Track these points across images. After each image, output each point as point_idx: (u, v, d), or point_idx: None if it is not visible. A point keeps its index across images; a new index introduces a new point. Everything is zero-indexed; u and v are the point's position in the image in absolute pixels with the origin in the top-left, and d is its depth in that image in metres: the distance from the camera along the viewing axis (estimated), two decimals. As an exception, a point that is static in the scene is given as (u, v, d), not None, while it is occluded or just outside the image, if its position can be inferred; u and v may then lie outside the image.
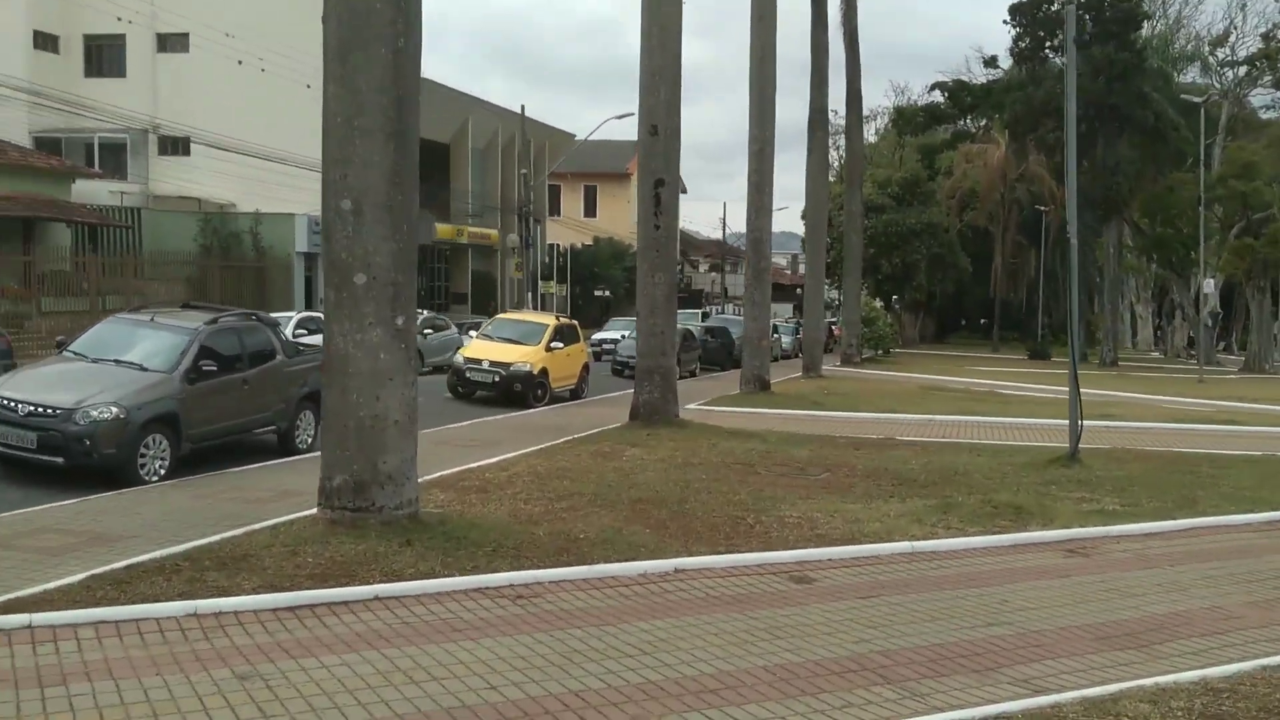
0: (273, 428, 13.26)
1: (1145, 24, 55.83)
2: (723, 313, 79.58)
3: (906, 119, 56.10)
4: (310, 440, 13.81)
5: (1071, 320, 14.37)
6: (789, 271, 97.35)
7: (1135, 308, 78.92)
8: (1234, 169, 43.74)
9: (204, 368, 11.91)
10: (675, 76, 16.27)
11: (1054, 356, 53.68)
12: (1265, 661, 6.27)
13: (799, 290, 77.69)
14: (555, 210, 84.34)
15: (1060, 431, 18.54)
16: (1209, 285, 40.86)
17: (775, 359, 46.25)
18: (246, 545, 7.93)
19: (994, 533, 9.64)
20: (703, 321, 40.68)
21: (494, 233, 58.70)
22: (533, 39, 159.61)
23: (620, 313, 62.71)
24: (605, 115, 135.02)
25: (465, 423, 17.60)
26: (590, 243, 73.09)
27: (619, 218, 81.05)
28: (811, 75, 31.33)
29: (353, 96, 8.27)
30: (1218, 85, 62.24)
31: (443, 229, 53.51)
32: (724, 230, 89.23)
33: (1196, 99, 37.46)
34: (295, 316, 24.37)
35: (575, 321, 25.05)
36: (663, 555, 8.30)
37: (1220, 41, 63.86)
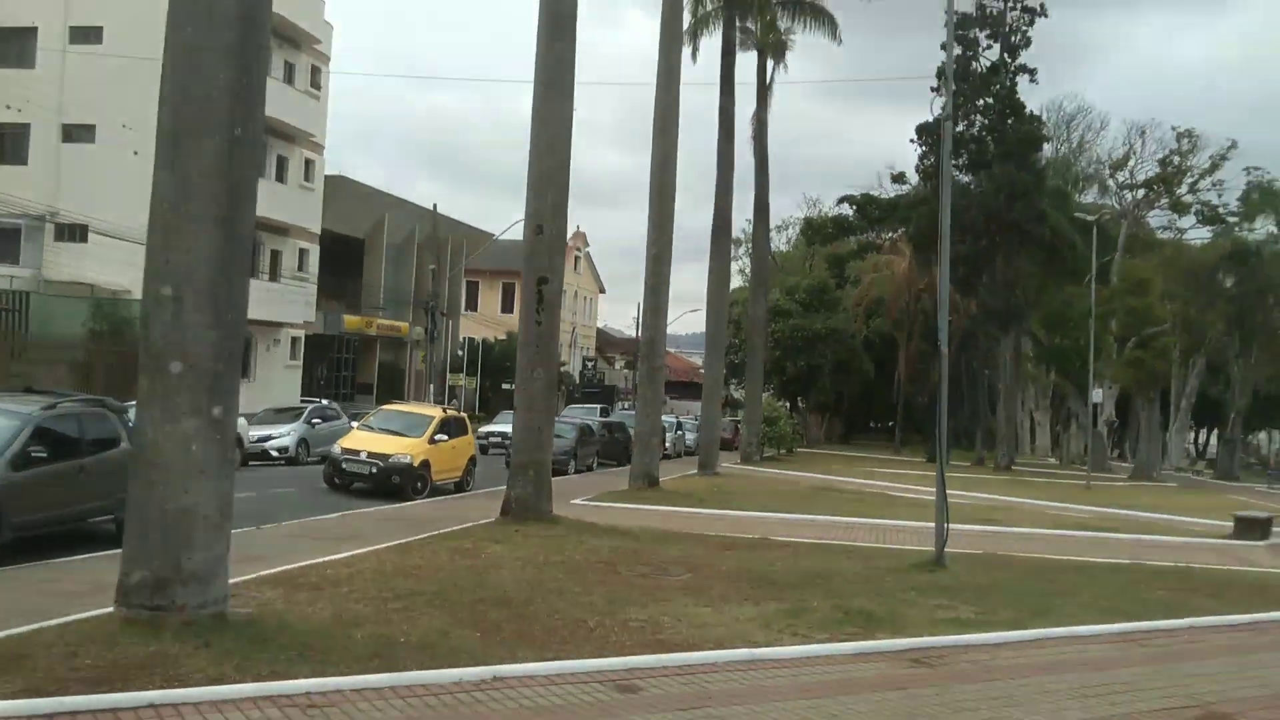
0: (110, 516, 12.58)
1: (1046, 146, 58.27)
2: (633, 409, 79.40)
3: (816, 229, 57.37)
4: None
5: (940, 425, 14.42)
6: (702, 371, 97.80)
7: (1034, 415, 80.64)
8: (1128, 285, 45.22)
9: (33, 454, 11.30)
10: (563, 181, 16.24)
11: (951, 460, 54.40)
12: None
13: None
14: (473, 306, 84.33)
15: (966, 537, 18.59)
16: (1098, 395, 41.89)
17: (679, 455, 46.40)
18: (26, 644, 7.34)
19: (841, 639, 9.38)
20: (601, 417, 40.47)
21: (404, 325, 58.36)
22: (463, 144, 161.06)
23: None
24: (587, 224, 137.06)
25: (334, 515, 17.06)
26: (504, 338, 72.94)
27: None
28: (716, 185, 31.85)
29: (181, 183, 7.98)
30: (1117, 206, 64.78)
31: (351, 320, 53.02)
32: (638, 328, 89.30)
33: (1091, 217, 38.76)
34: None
35: (464, 414, 24.70)
36: (486, 661, 7.86)
37: (1120, 165, 66.57)
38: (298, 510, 17.42)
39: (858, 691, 7.95)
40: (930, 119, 47.98)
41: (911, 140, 49.39)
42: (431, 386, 43.66)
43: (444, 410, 23.56)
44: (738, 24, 32.47)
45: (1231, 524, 20.50)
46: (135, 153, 34.54)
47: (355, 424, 24.24)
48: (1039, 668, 9.02)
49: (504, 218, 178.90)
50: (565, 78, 16.04)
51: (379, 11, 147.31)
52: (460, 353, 67.54)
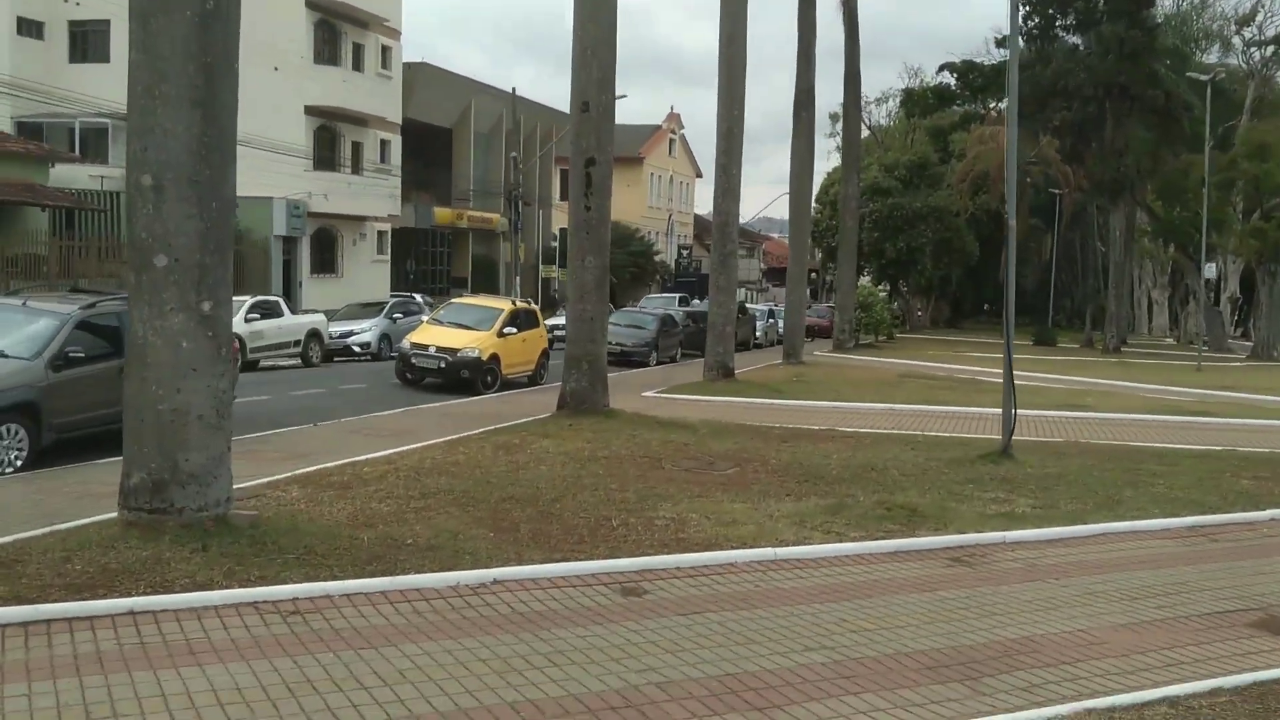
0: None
1: (1164, 1, 54.54)
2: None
3: (915, 100, 54.90)
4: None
5: (1007, 304, 13.51)
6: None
7: (1152, 293, 77.36)
8: (1249, 150, 42.36)
9: (72, 354, 11.31)
10: (609, 52, 15.47)
11: (1060, 342, 52.57)
12: (1091, 704, 5.50)
13: (813, 275, 76.69)
14: (563, 194, 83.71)
15: (1024, 422, 17.79)
16: (1211, 270, 39.62)
17: (772, 343, 45.65)
18: (23, 549, 7.29)
19: (877, 537, 8.88)
20: (682, 306, 39.97)
21: (496, 216, 58.13)
22: (562, 29, 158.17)
23: (622, 297, 62.06)
24: (634, 101, 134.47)
25: (396, 410, 17.00)
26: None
27: (632, 201, 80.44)
28: (798, 54, 30.37)
29: (153, 63, 7.57)
30: (1244, 66, 60.49)
31: (443, 213, 53.00)
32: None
33: (1204, 77, 36.06)
34: (248, 301, 23.82)
35: (535, 306, 24.36)
36: (492, 563, 7.59)
37: (1247, 20, 62.03)
38: (363, 407, 17.43)
39: (881, 594, 7.48)
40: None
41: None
42: (518, 279, 43.34)
43: (514, 302, 23.26)
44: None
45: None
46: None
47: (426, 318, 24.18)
48: (1089, 566, 8.42)
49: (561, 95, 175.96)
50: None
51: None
52: (553, 243, 67.34)
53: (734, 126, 22.55)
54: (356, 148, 39.18)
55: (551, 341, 23.75)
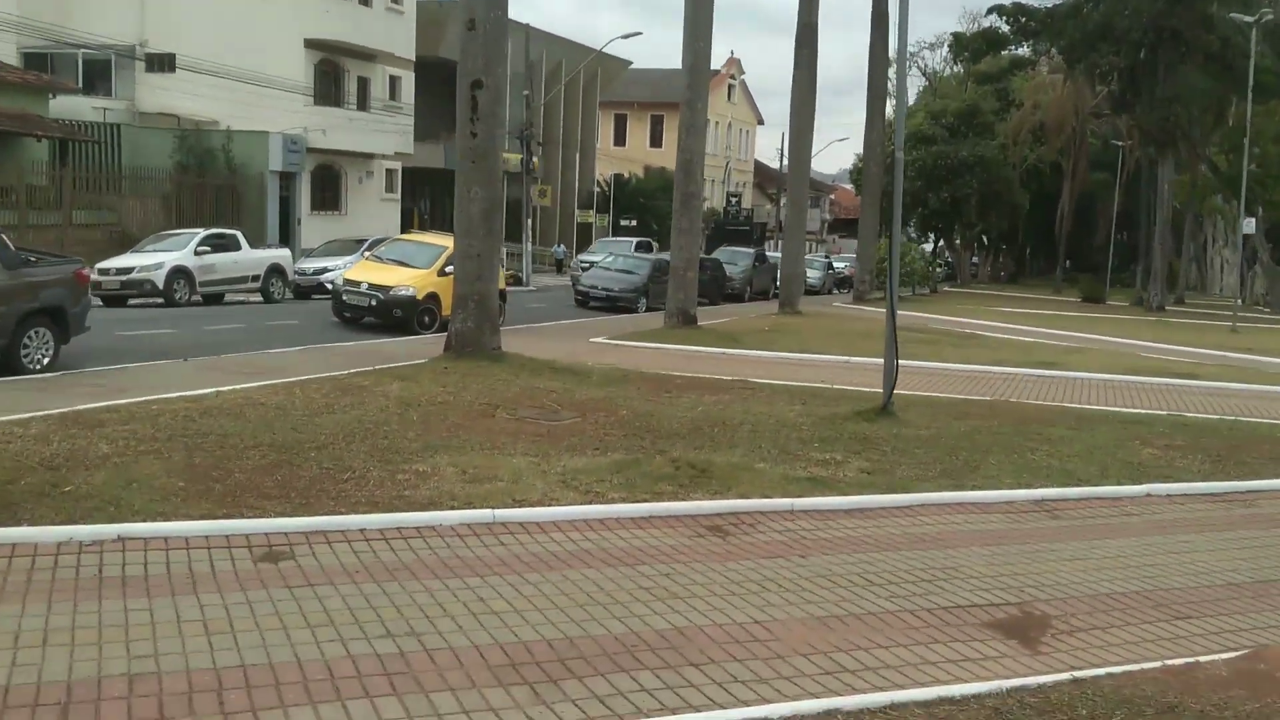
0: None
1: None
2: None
3: (964, 45, 52.19)
4: (45, 360, 12.61)
5: (892, 262, 12.00)
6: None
7: (1224, 252, 73.76)
8: (1306, 99, 39.46)
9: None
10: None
11: (1109, 300, 50.14)
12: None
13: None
14: (621, 140, 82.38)
15: (977, 379, 16.50)
16: (1250, 225, 37.04)
17: (829, 290, 44.20)
18: None
19: (639, 500, 7.75)
20: (639, 252, 39.06)
21: (536, 160, 57.18)
22: None
23: (666, 246, 60.87)
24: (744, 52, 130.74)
25: (296, 348, 16.13)
26: (640, 175, 71.01)
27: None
28: (799, -16, 28.70)
29: None
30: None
31: (470, 153, 52.10)
32: (780, 161, 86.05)
33: (1248, 19, 33.38)
34: (199, 234, 23.14)
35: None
36: (134, 518, 6.60)
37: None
38: (272, 342, 16.67)
39: (580, 566, 6.38)
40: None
41: (1064, -61, 43.77)
42: (528, 221, 42.24)
43: (460, 239, 22.17)
44: None
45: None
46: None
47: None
48: (863, 542, 7.23)
49: (658, 48, 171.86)
50: None
51: None
52: (594, 189, 66.07)
53: (698, 60, 21.21)
54: (363, 83, 38.27)
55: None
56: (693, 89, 21.26)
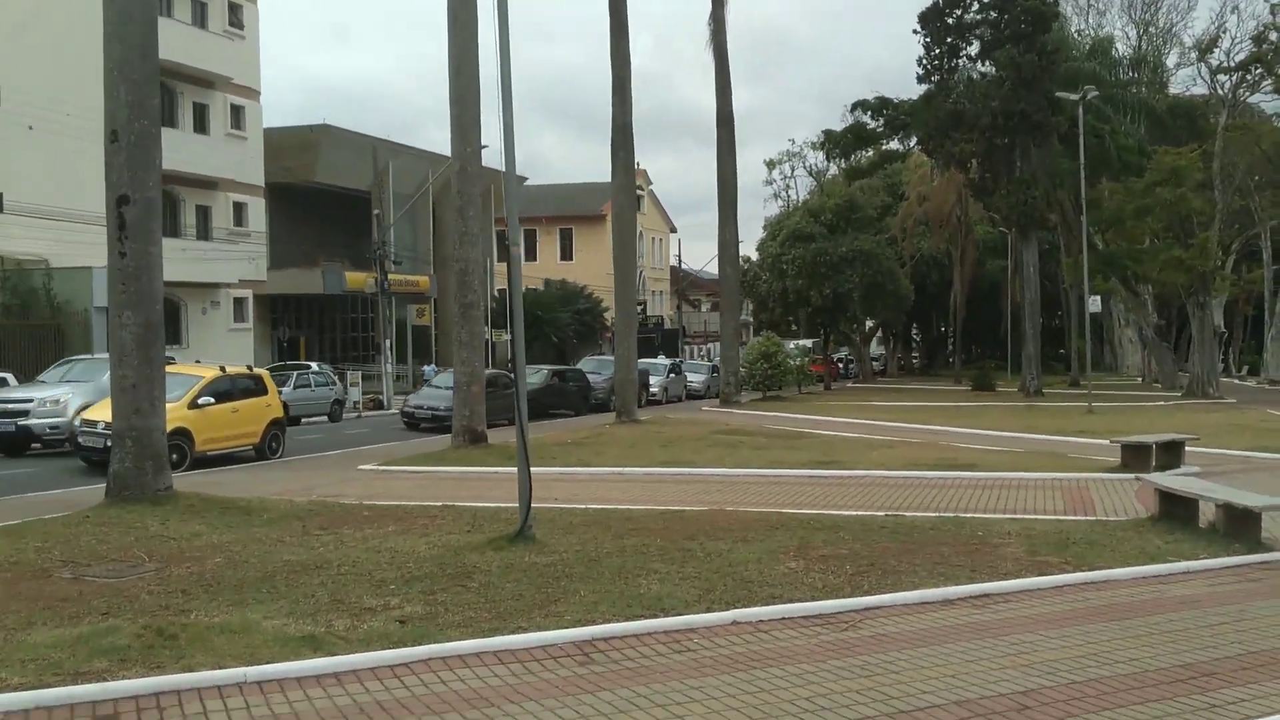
0: None
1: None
2: (695, 354, 76.74)
3: (834, 141, 52.49)
4: None
5: (518, 365, 10.85)
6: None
7: (1126, 332, 74.02)
8: (1160, 175, 39.68)
9: None
10: (141, 69, 13.10)
11: (1000, 387, 49.68)
12: None
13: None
14: (531, 255, 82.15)
15: (723, 484, 15.44)
16: (1095, 304, 36.80)
17: (677, 399, 43.32)
18: None
19: (49, 685, 6.41)
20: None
21: (423, 279, 56.63)
22: (580, 95, 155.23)
23: (572, 357, 60.06)
24: (657, 165, 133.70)
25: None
26: (539, 287, 70.51)
27: (597, 260, 79.42)
28: (613, 90, 28.27)
29: None
30: (1218, 93, 57.66)
31: (354, 277, 50.98)
32: (679, 265, 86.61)
33: (1073, 97, 33.50)
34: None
35: (264, 372, 22.09)
36: None
37: (1210, 46, 59.42)
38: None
39: None
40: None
41: (914, 31, 44.40)
42: (386, 341, 41.14)
43: (223, 369, 20.93)
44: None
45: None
46: (30, 126, 33.20)
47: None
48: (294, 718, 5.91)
49: (583, 162, 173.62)
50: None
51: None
52: (491, 305, 65.31)
53: (468, 164, 20.43)
54: (203, 211, 37.35)
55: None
56: (464, 195, 20.42)
